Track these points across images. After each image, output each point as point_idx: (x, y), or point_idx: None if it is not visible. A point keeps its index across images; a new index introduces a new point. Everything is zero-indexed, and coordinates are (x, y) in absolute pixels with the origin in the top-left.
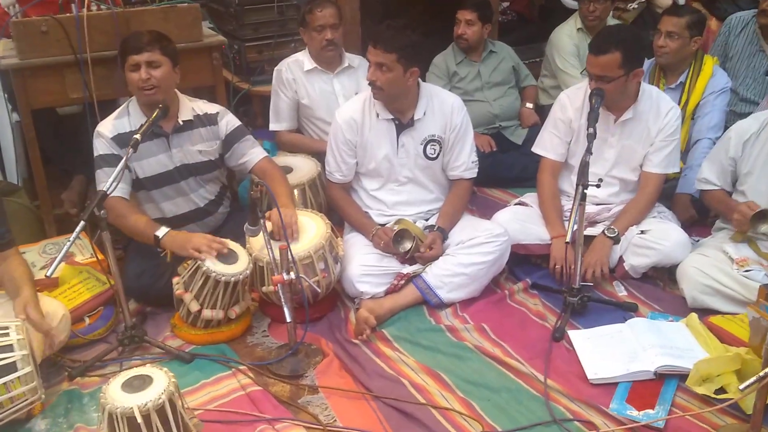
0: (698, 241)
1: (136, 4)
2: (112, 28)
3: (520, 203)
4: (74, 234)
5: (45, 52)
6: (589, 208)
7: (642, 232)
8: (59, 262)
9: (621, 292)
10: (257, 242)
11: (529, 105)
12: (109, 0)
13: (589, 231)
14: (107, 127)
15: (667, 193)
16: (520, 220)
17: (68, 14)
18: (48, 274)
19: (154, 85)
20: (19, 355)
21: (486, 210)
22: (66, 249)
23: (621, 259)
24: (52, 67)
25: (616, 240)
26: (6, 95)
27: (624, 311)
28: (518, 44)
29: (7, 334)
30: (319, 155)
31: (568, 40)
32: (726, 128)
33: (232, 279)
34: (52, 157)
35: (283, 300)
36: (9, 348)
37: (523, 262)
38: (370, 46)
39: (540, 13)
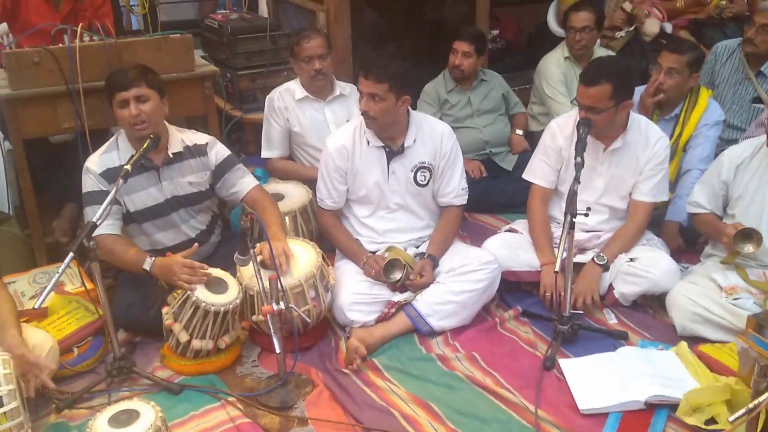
0: (687, 268)
1: (129, 34)
2: (104, 59)
3: (511, 230)
4: (63, 266)
5: (37, 83)
6: (579, 235)
7: (631, 259)
8: (47, 294)
9: (611, 319)
10: (247, 271)
11: (519, 132)
12: (102, 31)
13: (579, 258)
14: (96, 163)
15: (656, 220)
16: (510, 247)
17: (61, 45)
18: (36, 306)
19: (144, 120)
20: (5, 390)
21: (477, 235)
22: (54, 281)
23: (611, 287)
24: (44, 98)
25: (605, 267)
26: None
27: (614, 339)
28: (507, 71)
29: None
30: (311, 182)
31: (555, 68)
32: (716, 156)
33: (222, 309)
34: (44, 185)
35: (272, 330)
36: None
37: (514, 289)
38: (361, 76)
39: (529, 42)
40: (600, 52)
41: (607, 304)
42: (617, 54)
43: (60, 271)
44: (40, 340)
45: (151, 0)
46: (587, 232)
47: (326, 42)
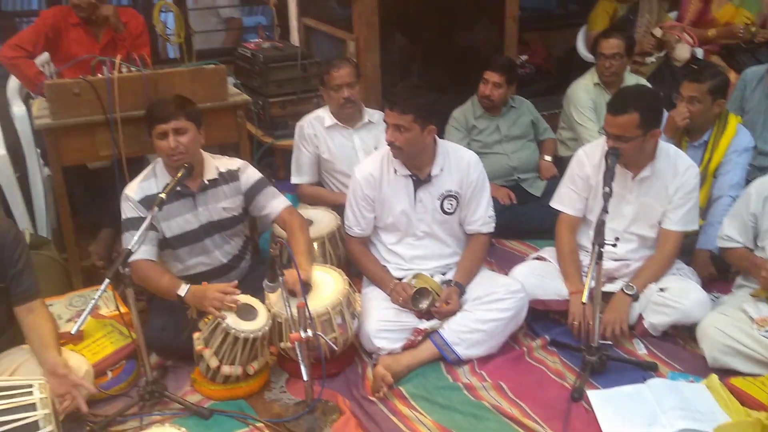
0: (718, 298)
1: (165, 63)
2: (141, 90)
3: (539, 258)
4: (99, 292)
5: (77, 113)
6: (608, 264)
7: (661, 289)
8: (83, 321)
9: (641, 350)
10: (276, 297)
11: (548, 157)
12: (139, 62)
13: (608, 287)
14: (134, 190)
15: (686, 248)
16: (538, 276)
17: (99, 76)
18: (72, 331)
19: (181, 151)
20: (41, 414)
21: (504, 262)
22: (90, 307)
23: (640, 317)
24: (83, 127)
25: (635, 297)
26: (39, 150)
27: (644, 370)
28: (536, 96)
29: (30, 393)
30: (340, 208)
31: (584, 94)
32: (747, 182)
33: (251, 336)
34: (81, 210)
35: (300, 358)
36: (32, 407)
37: (542, 317)
38: (386, 108)
39: (558, 66)
40: (630, 78)
41: (637, 335)
42: (647, 80)
43: (96, 297)
44: (76, 363)
45: (186, 29)
46: (616, 260)
47: (355, 70)
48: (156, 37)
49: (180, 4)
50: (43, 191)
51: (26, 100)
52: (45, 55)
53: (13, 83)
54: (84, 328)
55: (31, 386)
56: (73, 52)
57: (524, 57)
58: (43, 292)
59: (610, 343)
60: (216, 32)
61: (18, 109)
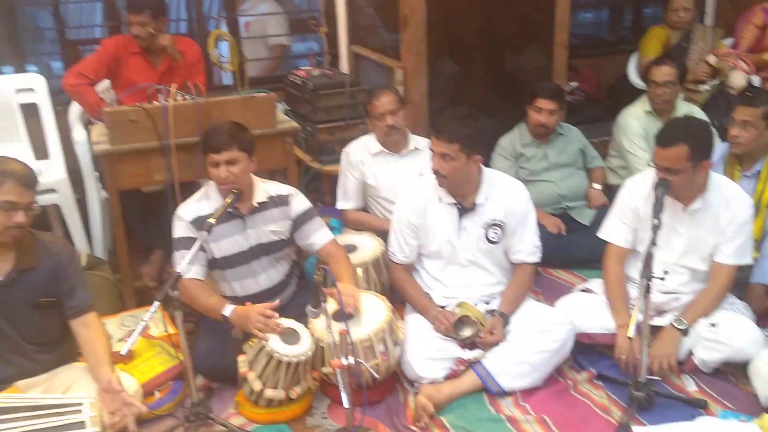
0: None
1: (219, 90)
2: (194, 117)
3: (585, 290)
4: (148, 314)
5: (133, 139)
6: (657, 297)
7: (712, 324)
8: (133, 342)
9: (690, 386)
10: (319, 323)
11: (597, 186)
12: (194, 90)
13: (657, 321)
14: (187, 211)
15: (739, 282)
16: (584, 308)
17: (156, 104)
18: (122, 352)
19: (231, 181)
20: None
21: (551, 292)
22: (140, 329)
23: (690, 353)
24: (139, 153)
25: (685, 332)
26: (97, 174)
27: (693, 408)
28: (586, 123)
29: (79, 411)
30: (384, 234)
31: (635, 122)
32: None
33: (294, 360)
34: (134, 232)
35: (341, 385)
36: (81, 425)
37: (588, 350)
38: (433, 136)
39: (608, 93)
40: (682, 106)
41: (686, 371)
42: (702, 108)
43: (146, 318)
44: (125, 384)
45: (239, 58)
46: (666, 293)
47: (397, 97)
48: (211, 65)
49: (234, 32)
50: (100, 214)
51: (87, 125)
52: (105, 82)
53: (75, 109)
54: (134, 348)
55: (81, 404)
56: (133, 80)
57: (574, 84)
58: (97, 311)
59: (658, 378)
60: (267, 60)
61: (78, 134)
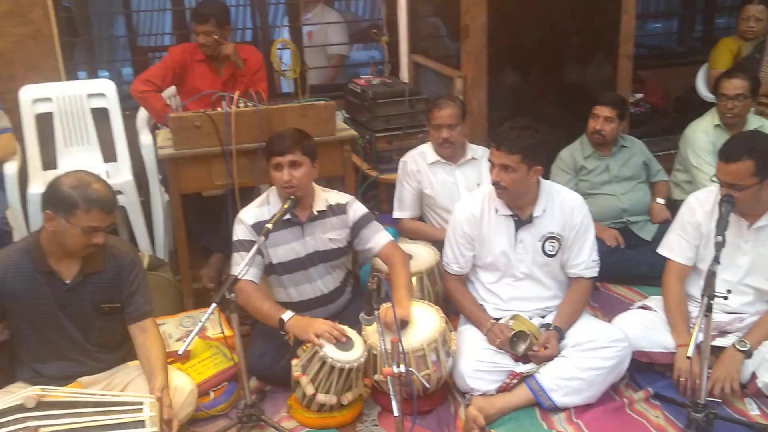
0: None
1: (280, 97)
2: (255, 123)
3: (644, 307)
4: (206, 315)
5: (197, 144)
6: (720, 317)
7: None
8: (190, 342)
9: (753, 410)
10: (372, 330)
11: (660, 200)
12: (255, 97)
13: (719, 341)
14: (248, 215)
15: None
16: (643, 326)
17: (219, 110)
18: (180, 352)
19: (294, 184)
20: (150, 431)
21: (609, 308)
22: (197, 329)
23: (754, 376)
24: (202, 158)
25: (748, 354)
26: (160, 177)
27: None
28: (652, 136)
29: (140, 410)
30: (440, 244)
31: (703, 136)
32: None
33: (347, 366)
34: (194, 235)
35: (392, 393)
36: (141, 424)
37: (646, 369)
38: (493, 147)
39: (675, 105)
40: (754, 120)
41: (749, 394)
42: None
43: (203, 320)
44: (182, 383)
45: (301, 66)
46: (729, 313)
47: (459, 111)
48: (272, 72)
49: (297, 41)
50: (162, 216)
51: (153, 130)
52: (172, 88)
53: (142, 114)
54: (191, 349)
55: (141, 403)
56: (198, 87)
57: (639, 95)
58: (157, 311)
59: (718, 400)
60: (328, 68)
61: (145, 138)
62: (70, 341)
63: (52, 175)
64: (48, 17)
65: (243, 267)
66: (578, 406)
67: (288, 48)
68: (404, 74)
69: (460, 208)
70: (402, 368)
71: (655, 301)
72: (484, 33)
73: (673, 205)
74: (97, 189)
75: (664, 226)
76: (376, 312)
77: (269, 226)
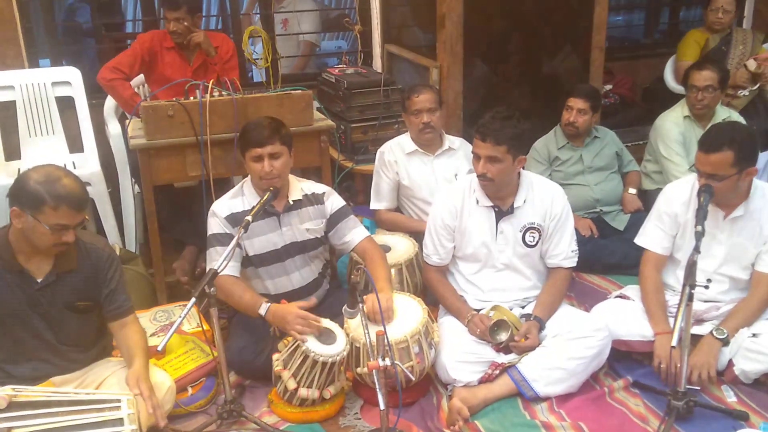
0: None
1: (252, 86)
2: (230, 113)
3: (621, 296)
4: (185, 311)
5: (169, 134)
6: (697, 305)
7: (754, 335)
8: (168, 339)
9: (730, 397)
10: (354, 323)
11: (632, 190)
12: (230, 86)
13: (696, 330)
14: (222, 207)
15: None
16: (620, 315)
17: (192, 99)
18: (159, 348)
19: (275, 174)
20: (127, 430)
21: (584, 297)
22: (176, 326)
23: (730, 363)
24: (175, 148)
25: (725, 342)
26: (130, 169)
27: (733, 419)
28: (621, 127)
29: (118, 408)
30: (418, 235)
31: (673, 127)
32: None
33: (330, 360)
34: (166, 227)
35: (377, 386)
36: (119, 422)
37: (625, 357)
38: (478, 139)
39: (644, 96)
40: (722, 111)
41: (726, 381)
42: (740, 114)
43: (182, 315)
44: (160, 379)
45: (273, 54)
46: (706, 302)
47: (436, 97)
48: (244, 61)
49: (269, 29)
50: (133, 208)
51: (121, 119)
52: (140, 77)
53: (109, 103)
54: (168, 344)
55: (119, 401)
56: (167, 75)
57: (608, 86)
58: (134, 307)
59: (697, 388)
60: (298, 57)
61: (114, 127)
62: (41, 341)
63: (15, 165)
64: (10, 2)
65: (222, 261)
66: (560, 396)
67: (260, 36)
68: (377, 64)
69: (440, 199)
70: (387, 361)
71: (632, 291)
72: (460, 23)
73: (644, 196)
74: (66, 185)
75: (636, 215)
76: (360, 305)
77: (249, 218)
